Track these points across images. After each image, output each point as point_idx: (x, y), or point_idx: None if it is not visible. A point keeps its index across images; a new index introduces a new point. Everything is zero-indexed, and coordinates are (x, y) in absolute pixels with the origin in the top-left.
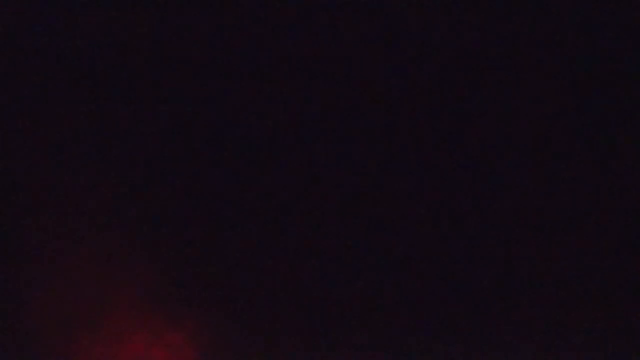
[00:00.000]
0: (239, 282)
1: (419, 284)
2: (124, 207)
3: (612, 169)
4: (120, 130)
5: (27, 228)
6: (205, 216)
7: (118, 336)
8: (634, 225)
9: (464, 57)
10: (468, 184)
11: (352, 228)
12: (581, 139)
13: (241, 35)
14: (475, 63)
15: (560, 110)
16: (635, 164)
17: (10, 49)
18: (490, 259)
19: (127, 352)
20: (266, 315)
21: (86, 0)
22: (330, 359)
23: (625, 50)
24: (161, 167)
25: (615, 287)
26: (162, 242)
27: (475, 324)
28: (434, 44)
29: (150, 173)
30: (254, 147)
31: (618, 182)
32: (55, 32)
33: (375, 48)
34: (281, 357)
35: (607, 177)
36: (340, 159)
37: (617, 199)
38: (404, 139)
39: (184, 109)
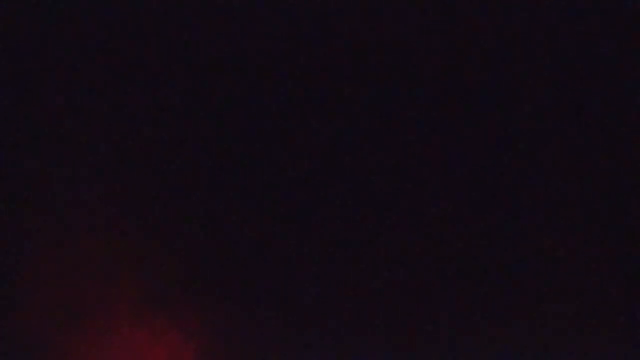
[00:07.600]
0: (239, 282)
1: (420, 284)
2: (123, 207)
3: (613, 169)
4: (120, 127)
5: (26, 227)
6: (206, 216)
7: (118, 336)
8: (634, 225)
9: (463, 57)
10: (468, 183)
11: (352, 228)
12: (581, 138)
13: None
14: (475, 62)
15: (560, 109)
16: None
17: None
18: (491, 260)
19: (127, 352)
20: (267, 315)
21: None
22: (331, 359)
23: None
24: (161, 167)
25: (615, 287)
26: (163, 241)
27: (477, 324)
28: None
29: (150, 172)
30: (253, 147)
31: (619, 182)
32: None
33: (376, 47)
34: (282, 357)
35: (607, 177)
36: (340, 158)
37: (618, 200)
38: (402, 140)
39: (183, 108)
